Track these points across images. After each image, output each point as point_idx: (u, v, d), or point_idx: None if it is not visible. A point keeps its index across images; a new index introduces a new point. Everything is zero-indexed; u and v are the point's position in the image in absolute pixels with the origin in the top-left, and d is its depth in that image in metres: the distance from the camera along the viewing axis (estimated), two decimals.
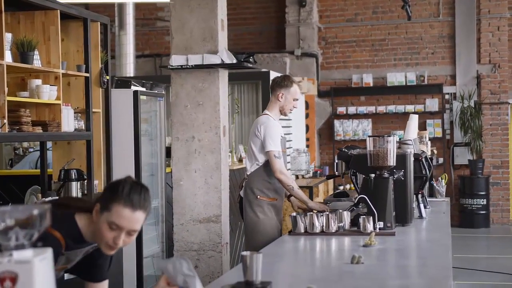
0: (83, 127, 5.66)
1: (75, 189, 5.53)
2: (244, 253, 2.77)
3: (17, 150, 9.07)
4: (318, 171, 11.33)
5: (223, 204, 5.88)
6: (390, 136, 4.49)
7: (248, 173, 5.28)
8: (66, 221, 2.67)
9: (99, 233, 2.63)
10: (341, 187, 12.23)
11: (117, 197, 2.59)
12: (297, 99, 5.37)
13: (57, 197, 4.94)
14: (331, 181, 11.60)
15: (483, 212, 12.32)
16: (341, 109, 13.01)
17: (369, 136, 4.53)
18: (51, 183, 5.76)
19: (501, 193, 12.66)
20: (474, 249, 10.58)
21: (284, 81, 5.33)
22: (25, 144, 8.76)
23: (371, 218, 4.26)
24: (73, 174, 5.52)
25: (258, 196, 5.19)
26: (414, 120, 5.62)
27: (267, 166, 5.19)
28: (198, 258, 5.64)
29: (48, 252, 1.85)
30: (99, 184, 5.92)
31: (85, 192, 5.68)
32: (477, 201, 12.29)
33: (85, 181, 5.65)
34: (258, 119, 5.34)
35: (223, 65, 5.83)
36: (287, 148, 9.67)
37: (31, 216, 1.82)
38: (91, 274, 2.89)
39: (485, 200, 12.30)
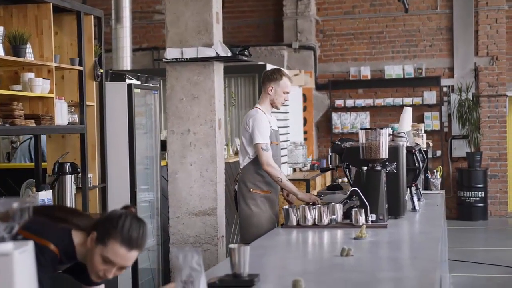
0: (77, 121, 5.65)
1: (69, 183, 5.52)
2: (232, 246, 2.78)
3: (14, 143, 9.06)
4: (316, 164, 11.33)
5: (219, 197, 5.88)
6: (382, 128, 4.49)
7: (241, 167, 5.31)
8: (62, 236, 2.65)
9: (91, 262, 2.62)
10: (339, 180, 12.25)
11: (115, 233, 2.58)
12: (287, 92, 5.36)
13: (53, 205, 4.81)
14: (328, 174, 11.61)
15: (481, 204, 12.33)
16: (339, 102, 13.00)
17: (361, 129, 4.53)
18: (46, 176, 5.75)
19: (499, 185, 12.66)
20: (471, 242, 10.59)
21: (274, 75, 5.33)
22: (22, 137, 8.75)
23: (363, 210, 4.27)
24: (67, 167, 5.51)
25: (251, 189, 5.21)
26: (408, 113, 5.62)
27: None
28: None
29: (29, 245, 1.85)
30: (93, 178, 5.92)
31: (79, 185, 5.68)
32: (475, 193, 12.29)
33: (79, 174, 5.65)
34: (248, 113, 5.38)
35: (218, 58, 5.82)
36: (284, 141, 9.72)
37: (11, 209, 1.82)
38: (87, 278, 2.79)
39: (483, 192, 12.30)
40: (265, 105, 5.34)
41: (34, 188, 5.51)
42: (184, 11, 5.90)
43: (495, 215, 12.62)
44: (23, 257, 1.81)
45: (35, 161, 5.80)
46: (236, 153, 8.41)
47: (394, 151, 4.60)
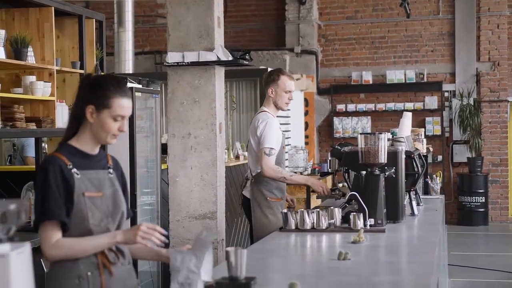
0: None
1: None
2: (228, 249, 2.79)
3: (15, 146, 9.09)
4: (317, 168, 11.34)
5: (219, 201, 5.89)
6: (381, 133, 4.50)
7: (253, 174, 5.19)
8: (62, 146, 2.88)
9: (103, 129, 2.82)
10: (340, 185, 12.25)
11: (111, 93, 2.81)
12: (289, 91, 5.28)
13: None
14: (329, 178, 11.62)
15: (482, 209, 12.33)
16: (340, 107, 13.02)
17: (360, 134, 4.54)
18: None
19: (500, 190, 12.66)
20: (472, 247, 10.59)
21: (271, 76, 5.31)
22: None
23: (361, 215, 4.28)
24: None
25: (268, 198, 5.14)
26: (407, 118, 5.64)
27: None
28: None
29: (26, 247, 1.87)
30: None
31: None
32: (475, 198, 12.29)
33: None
34: (257, 117, 5.30)
35: (219, 62, 5.84)
36: (286, 145, 9.73)
37: (7, 211, 1.84)
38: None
39: (483, 197, 12.31)
40: (271, 108, 5.30)
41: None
42: (185, 16, 5.93)
43: (495, 220, 12.62)
44: (20, 258, 1.83)
45: (36, 164, 5.82)
46: (237, 157, 8.43)
47: (393, 155, 4.61)
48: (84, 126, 2.87)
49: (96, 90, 2.84)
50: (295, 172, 10.33)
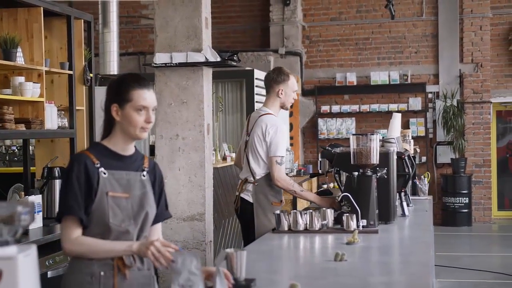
0: (67, 125, 5.64)
1: (58, 187, 5.50)
2: (229, 250, 2.78)
3: (9, 148, 9.05)
4: (302, 170, 11.36)
5: (207, 202, 5.88)
6: (373, 134, 4.51)
7: (257, 177, 5.03)
8: (93, 145, 2.97)
9: (130, 124, 2.86)
10: (325, 186, 12.28)
11: (130, 87, 2.87)
12: (295, 90, 5.18)
13: None
14: (315, 180, 11.64)
15: (465, 210, 12.41)
16: (325, 108, 13.04)
17: (352, 134, 4.54)
18: (34, 181, 5.72)
19: (483, 191, 12.75)
20: (456, 247, 10.65)
21: (281, 76, 5.11)
22: (8, 142, 8.71)
23: (354, 216, 4.28)
24: (57, 172, 5.48)
25: (273, 202, 5.03)
26: (397, 119, 5.65)
27: None
28: None
29: (32, 249, 1.85)
30: None
31: None
32: (459, 199, 12.37)
33: None
34: (265, 120, 5.05)
35: (207, 63, 5.83)
36: None
37: (14, 212, 1.82)
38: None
39: (467, 198, 12.39)
40: (275, 109, 5.15)
41: (23, 193, 5.48)
42: (173, 16, 5.91)
43: (479, 221, 12.71)
44: (27, 261, 1.81)
45: (24, 165, 5.77)
46: (224, 158, 8.41)
47: (384, 156, 4.62)
48: (114, 127, 2.91)
49: (116, 89, 2.91)
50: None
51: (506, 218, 13.10)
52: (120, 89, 2.88)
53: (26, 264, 1.80)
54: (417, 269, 3.17)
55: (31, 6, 5.23)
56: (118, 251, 2.83)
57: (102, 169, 2.85)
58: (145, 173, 2.98)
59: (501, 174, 13.23)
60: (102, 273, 2.82)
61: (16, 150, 9.40)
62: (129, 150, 2.97)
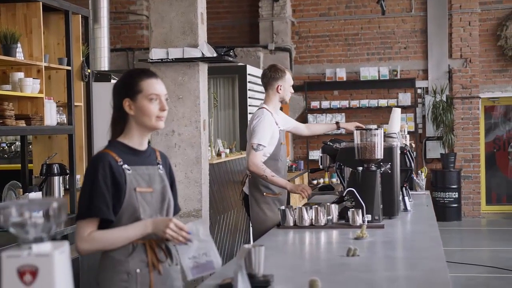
0: (65, 121, 5.59)
1: (57, 184, 5.46)
2: (247, 246, 2.76)
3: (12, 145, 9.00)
4: (293, 166, 11.37)
5: (203, 198, 5.87)
6: (377, 129, 4.51)
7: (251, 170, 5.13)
8: (111, 144, 2.91)
9: (145, 114, 2.85)
10: (321, 180, 12.29)
11: (138, 78, 2.87)
12: (292, 84, 5.43)
13: None
14: (306, 175, 11.65)
15: (455, 205, 12.47)
16: (314, 104, 13.04)
17: (356, 129, 4.54)
18: (32, 178, 5.68)
19: (472, 186, 12.82)
20: (446, 242, 10.65)
21: (278, 72, 5.31)
22: (10, 138, 8.68)
23: (360, 211, 4.28)
24: (55, 168, 5.44)
25: (264, 193, 5.13)
26: (397, 113, 5.65)
27: (270, 161, 5.13)
28: None
29: (66, 246, 1.83)
30: (81, 179, 5.85)
31: (67, 187, 5.61)
32: (449, 194, 12.43)
33: (67, 175, 5.58)
34: (255, 113, 5.27)
35: (203, 59, 5.81)
36: None
37: (50, 209, 1.79)
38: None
39: (456, 193, 12.45)
40: (272, 105, 5.29)
41: (21, 190, 5.43)
42: (168, 11, 5.88)
43: (468, 215, 12.78)
44: (62, 257, 1.79)
45: (21, 162, 5.72)
46: (219, 155, 8.39)
47: (388, 151, 4.63)
48: (129, 122, 2.89)
49: (125, 84, 2.91)
50: None
51: (494, 212, 13.18)
52: (129, 83, 2.88)
53: (61, 260, 1.79)
54: (434, 264, 3.17)
55: (30, 1, 5.18)
56: (134, 237, 2.80)
57: (125, 166, 2.83)
58: (161, 166, 2.98)
59: (489, 169, 13.30)
60: (138, 270, 2.80)
61: (6, 147, 9.33)
62: (144, 144, 2.96)
